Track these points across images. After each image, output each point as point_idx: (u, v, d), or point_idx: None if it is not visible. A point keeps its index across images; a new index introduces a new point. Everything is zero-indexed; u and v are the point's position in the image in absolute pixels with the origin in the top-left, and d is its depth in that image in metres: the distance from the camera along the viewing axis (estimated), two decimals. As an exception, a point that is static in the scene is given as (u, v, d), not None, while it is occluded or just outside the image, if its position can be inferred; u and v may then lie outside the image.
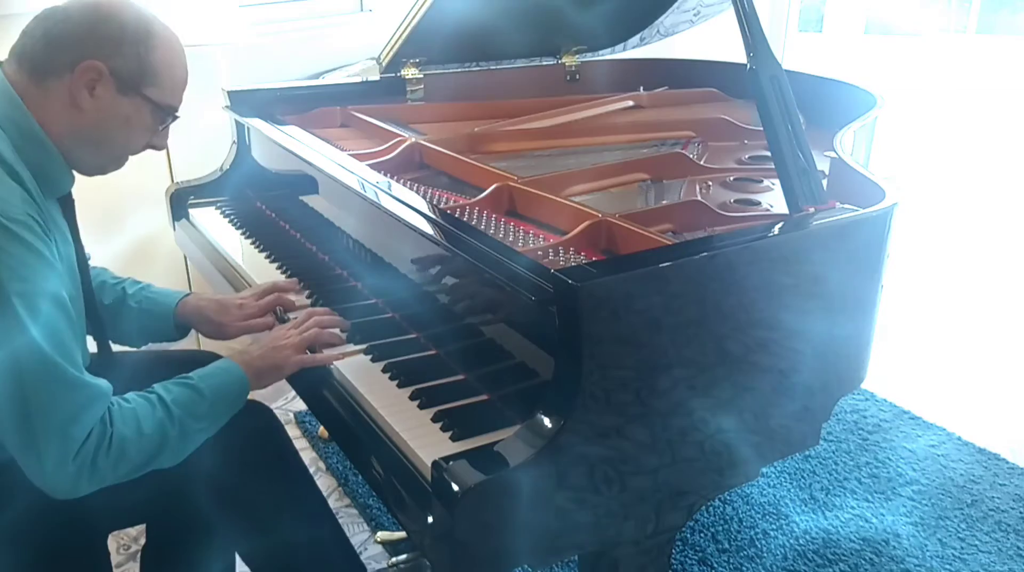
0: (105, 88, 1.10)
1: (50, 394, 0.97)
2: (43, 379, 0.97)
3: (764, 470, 2.08)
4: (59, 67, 1.07)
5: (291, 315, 1.41)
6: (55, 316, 0.99)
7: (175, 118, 1.20)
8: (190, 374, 1.16)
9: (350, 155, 1.66)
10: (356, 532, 1.92)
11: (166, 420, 1.08)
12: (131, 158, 1.22)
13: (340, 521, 1.42)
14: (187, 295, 1.42)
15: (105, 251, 1.47)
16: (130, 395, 1.08)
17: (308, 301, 1.47)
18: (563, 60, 2.38)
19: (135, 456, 1.04)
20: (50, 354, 0.97)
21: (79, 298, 1.14)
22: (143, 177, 2.47)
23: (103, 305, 1.36)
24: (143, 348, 1.44)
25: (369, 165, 1.61)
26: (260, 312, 1.42)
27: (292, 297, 1.46)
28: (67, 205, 1.17)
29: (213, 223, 1.91)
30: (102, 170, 1.19)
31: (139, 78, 1.12)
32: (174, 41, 1.17)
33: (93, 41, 1.08)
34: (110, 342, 1.29)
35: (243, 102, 1.97)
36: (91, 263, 1.43)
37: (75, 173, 1.16)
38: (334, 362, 1.25)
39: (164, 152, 2.30)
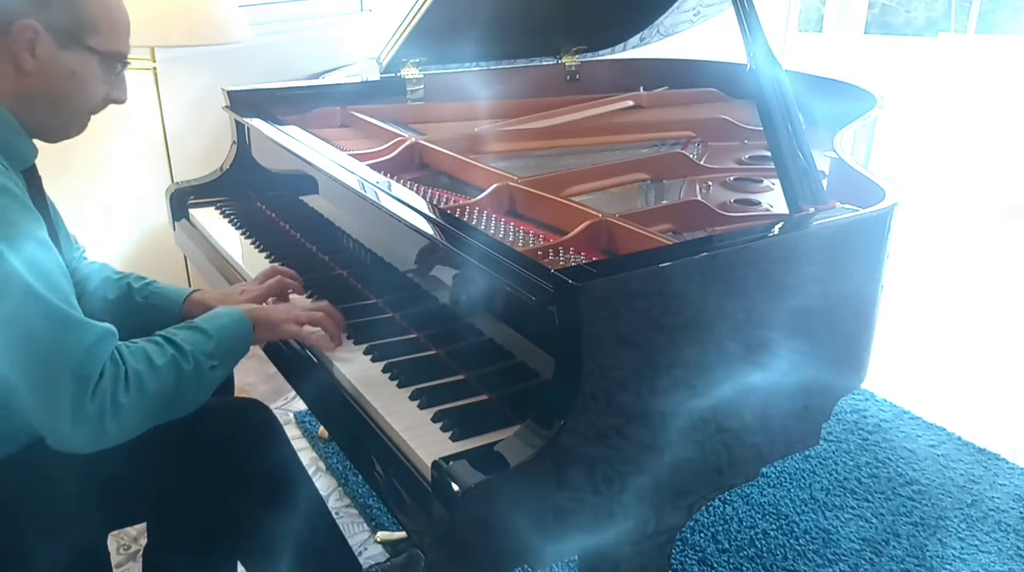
0: (45, 46, 1.07)
1: (52, 335, 0.95)
2: (43, 322, 0.94)
3: (764, 470, 2.08)
4: None
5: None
6: (45, 259, 0.97)
7: (125, 64, 1.17)
8: (190, 321, 1.16)
9: (350, 155, 1.66)
10: (356, 532, 1.92)
11: (178, 355, 1.07)
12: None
13: (340, 521, 1.42)
14: (193, 292, 1.42)
15: (105, 251, 1.47)
16: (134, 339, 1.07)
17: (308, 301, 1.47)
18: (563, 60, 2.38)
19: (155, 389, 1.03)
20: (45, 295, 0.95)
21: None
22: (143, 177, 2.48)
23: (107, 300, 1.35)
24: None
25: (369, 165, 1.61)
26: (263, 295, 1.42)
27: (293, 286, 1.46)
28: (32, 179, 1.14)
29: (213, 223, 1.91)
30: (66, 133, 1.17)
31: (76, 29, 1.09)
32: None
33: (18, 0, 1.05)
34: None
35: (243, 102, 1.97)
36: (90, 258, 1.44)
37: (38, 144, 1.14)
38: (332, 360, 1.25)
39: (164, 152, 2.30)
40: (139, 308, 1.37)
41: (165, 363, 1.05)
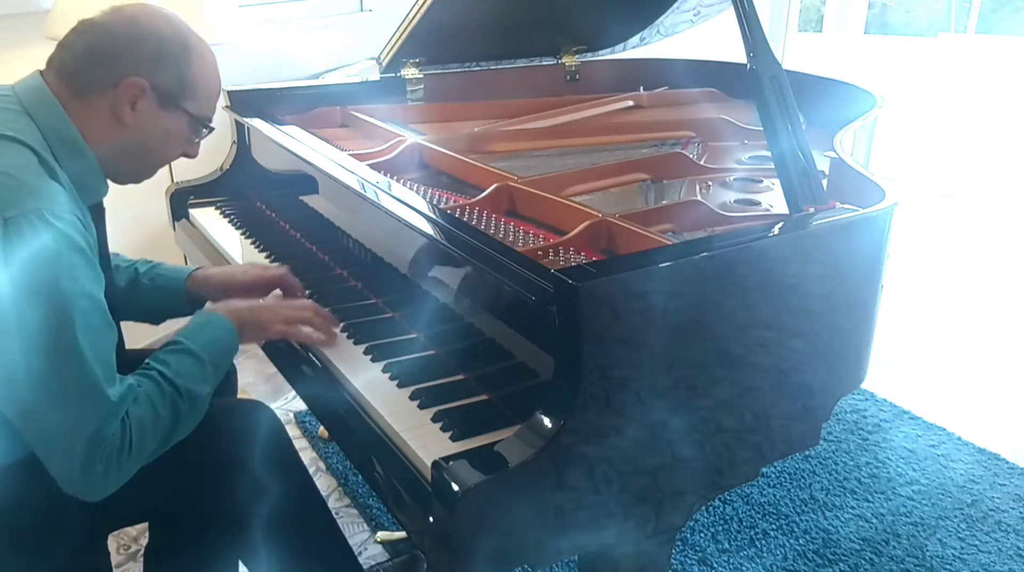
0: (147, 103, 1.12)
1: (78, 402, 0.98)
2: (79, 392, 0.98)
3: (764, 470, 2.08)
4: (101, 83, 1.10)
5: None
6: (99, 319, 1.01)
7: (211, 130, 1.23)
8: (178, 338, 1.17)
9: (350, 155, 1.66)
10: (356, 532, 1.92)
11: (176, 397, 1.10)
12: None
13: (340, 521, 1.42)
14: (196, 269, 1.46)
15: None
16: (138, 378, 1.09)
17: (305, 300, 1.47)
18: (563, 60, 2.38)
19: (152, 442, 1.07)
20: (89, 360, 0.98)
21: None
22: (143, 177, 2.48)
23: (119, 287, 1.37)
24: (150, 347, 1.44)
25: (369, 165, 1.61)
26: (266, 281, 1.44)
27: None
28: (98, 213, 1.18)
29: (213, 223, 1.91)
30: (138, 179, 1.23)
31: (179, 92, 1.15)
32: (209, 53, 1.19)
33: (135, 58, 1.10)
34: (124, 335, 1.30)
35: (243, 102, 1.97)
36: None
37: (109, 182, 1.18)
38: (332, 360, 1.25)
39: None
40: (146, 290, 1.41)
41: (167, 412, 1.08)
